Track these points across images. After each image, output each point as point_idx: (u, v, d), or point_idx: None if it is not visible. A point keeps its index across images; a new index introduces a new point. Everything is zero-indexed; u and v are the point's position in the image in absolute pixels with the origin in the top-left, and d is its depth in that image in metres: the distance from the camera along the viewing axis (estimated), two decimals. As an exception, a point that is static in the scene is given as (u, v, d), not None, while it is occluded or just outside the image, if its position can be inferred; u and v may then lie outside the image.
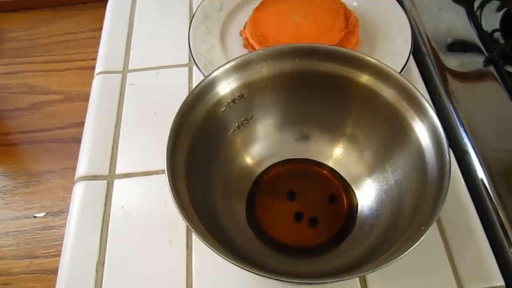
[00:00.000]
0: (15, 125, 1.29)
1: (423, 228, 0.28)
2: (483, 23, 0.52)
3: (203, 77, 0.36)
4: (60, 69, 1.39)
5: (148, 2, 0.59)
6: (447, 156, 0.31)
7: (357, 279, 0.37)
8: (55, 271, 0.38)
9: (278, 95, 0.39)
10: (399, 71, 0.45)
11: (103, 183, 0.43)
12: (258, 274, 0.27)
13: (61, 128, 1.26)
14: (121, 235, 0.40)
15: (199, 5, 0.53)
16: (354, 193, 0.39)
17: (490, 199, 0.39)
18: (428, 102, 0.33)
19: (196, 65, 0.47)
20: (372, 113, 0.38)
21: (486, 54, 0.48)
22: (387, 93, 0.36)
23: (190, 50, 0.49)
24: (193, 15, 0.52)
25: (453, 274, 0.36)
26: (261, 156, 0.41)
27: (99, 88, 0.51)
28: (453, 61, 0.49)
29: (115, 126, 0.47)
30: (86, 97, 0.50)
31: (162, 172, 0.32)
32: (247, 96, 0.38)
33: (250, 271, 0.27)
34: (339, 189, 0.40)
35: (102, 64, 0.53)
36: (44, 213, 1.10)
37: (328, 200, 0.40)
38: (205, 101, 0.36)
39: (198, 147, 0.35)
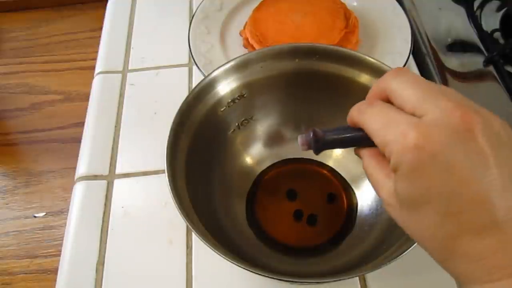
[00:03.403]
0: (15, 125, 1.28)
1: (423, 228, 0.28)
2: (483, 23, 0.52)
3: (203, 77, 0.36)
4: (60, 69, 1.39)
5: (148, 2, 0.59)
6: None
7: (357, 278, 0.37)
8: (55, 271, 0.38)
9: (278, 95, 0.40)
10: (399, 71, 0.45)
11: (103, 183, 0.43)
12: (258, 274, 0.27)
13: (61, 128, 1.26)
14: (121, 235, 0.40)
15: (199, 5, 0.53)
16: (354, 193, 0.39)
17: (490, 199, 0.39)
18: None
19: (196, 65, 0.47)
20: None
21: (486, 54, 0.48)
22: (387, 93, 0.36)
23: (190, 50, 0.49)
24: (193, 15, 0.52)
25: (453, 274, 0.36)
26: (261, 156, 0.41)
27: (99, 88, 0.51)
28: (453, 61, 0.49)
29: (115, 126, 0.47)
30: (86, 97, 0.50)
31: (162, 172, 0.32)
32: (247, 96, 0.38)
33: (250, 271, 0.27)
34: (339, 189, 0.40)
35: (102, 64, 0.53)
36: (44, 213, 1.10)
37: (327, 199, 0.40)
38: (205, 101, 0.36)
39: (198, 147, 0.35)
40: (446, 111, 0.20)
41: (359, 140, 0.24)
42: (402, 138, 0.20)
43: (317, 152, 0.26)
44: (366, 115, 0.23)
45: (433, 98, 0.20)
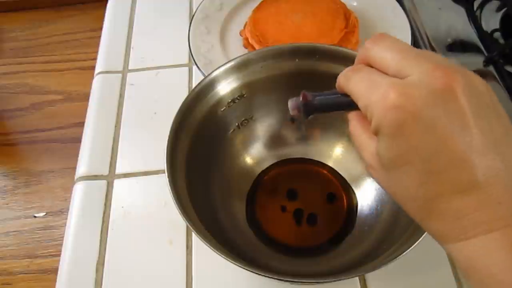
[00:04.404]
0: (15, 125, 1.29)
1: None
2: (483, 23, 0.52)
3: (203, 77, 0.36)
4: (60, 69, 1.39)
5: (148, 2, 0.59)
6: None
7: (357, 278, 0.37)
8: (55, 271, 0.38)
9: (278, 95, 0.39)
10: (399, 71, 0.45)
11: (103, 183, 0.43)
12: (258, 274, 0.27)
13: (61, 128, 1.26)
14: (121, 235, 0.40)
15: (199, 5, 0.53)
16: (354, 193, 0.39)
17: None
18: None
19: (196, 65, 0.47)
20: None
21: (486, 54, 0.48)
22: (387, 93, 0.36)
23: (190, 50, 0.49)
24: (193, 15, 0.52)
25: (453, 274, 0.36)
26: (261, 156, 0.41)
27: (99, 88, 0.51)
28: (453, 61, 0.49)
29: (115, 126, 0.47)
30: (86, 97, 0.50)
31: (162, 172, 0.32)
32: (247, 95, 0.38)
33: (250, 271, 0.27)
34: (339, 189, 0.40)
35: (102, 64, 0.53)
36: (44, 213, 1.10)
37: (327, 199, 0.40)
38: (205, 101, 0.36)
39: (198, 147, 0.35)
40: (427, 71, 0.20)
41: (348, 104, 0.24)
42: (383, 99, 0.20)
43: (307, 115, 0.26)
44: (351, 80, 0.23)
45: (413, 60, 0.20)
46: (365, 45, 0.23)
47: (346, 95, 0.24)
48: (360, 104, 0.22)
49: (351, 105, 0.24)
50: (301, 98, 0.26)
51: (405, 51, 0.21)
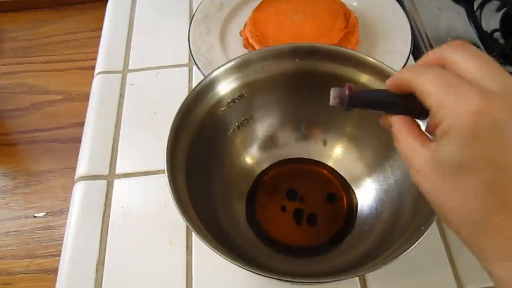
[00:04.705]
0: (15, 125, 1.28)
1: (422, 227, 0.28)
2: (483, 23, 0.52)
3: (203, 77, 0.36)
4: (60, 69, 1.39)
5: (148, 2, 0.59)
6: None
7: (357, 279, 0.37)
8: (55, 271, 0.38)
9: (278, 95, 0.39)
10: (399, 71, 0.45)
11: (103, 183, 0.43)
12: (258, 274, 0.27)
13: (61, 128, 1.26)
14: (121, 235, 0.40)
15: (199, 5, 0.53)
16: (354, 193, 0.39)
17: (490, 199, 0.39)
18: (428, 102, 0.33)
19: (196, 65, 0.47)
20: (371, 113, 0.38)
21: (486, 54, 0.48)
22: (387, 93, 0.36)
23: (190, 50, 0.49)
24: (193, 15, 0.52)
25: (453, 274, 0.36)
26: (261, 156, 0.41)
27: (99, 88, 0.51)
28: None
29: (115, 126, 0.47)
30: (86, 97, 0.50)
31: (162, 172, 0.32)
32: (247, 96, 0.38)
33: (250, 271, 0.27)
34: (339, 189, 0.40)
35: (102, 64, 0.53)
36: (44, 213, 1.10)
37: (327, 199, 0.40)
38: (205, 101, 0.36)
39: (198, 147, 0.35)
40: None
41: (392, 105, 0.24)
42: (464, 101, 0.19)
43: (348, 107, 0.25)
44: (423, 75, 0.22)
45: (498, 72, 0.20)
46: (445, 50, 0.22)
47: (393, 95, 0.24)
48: (430, 101, 0.21)
49: (395, 106, 0.23)
50: (346, 91, 0.25)
51: (488, 63, 0.21)
